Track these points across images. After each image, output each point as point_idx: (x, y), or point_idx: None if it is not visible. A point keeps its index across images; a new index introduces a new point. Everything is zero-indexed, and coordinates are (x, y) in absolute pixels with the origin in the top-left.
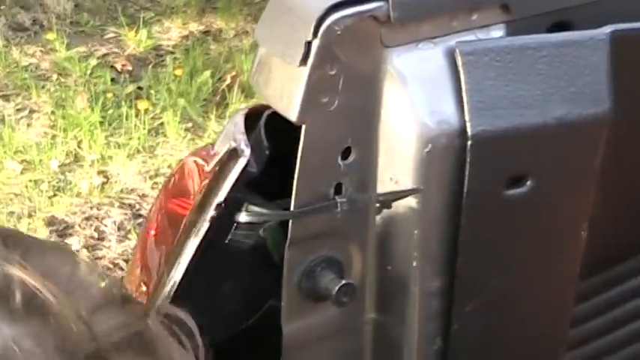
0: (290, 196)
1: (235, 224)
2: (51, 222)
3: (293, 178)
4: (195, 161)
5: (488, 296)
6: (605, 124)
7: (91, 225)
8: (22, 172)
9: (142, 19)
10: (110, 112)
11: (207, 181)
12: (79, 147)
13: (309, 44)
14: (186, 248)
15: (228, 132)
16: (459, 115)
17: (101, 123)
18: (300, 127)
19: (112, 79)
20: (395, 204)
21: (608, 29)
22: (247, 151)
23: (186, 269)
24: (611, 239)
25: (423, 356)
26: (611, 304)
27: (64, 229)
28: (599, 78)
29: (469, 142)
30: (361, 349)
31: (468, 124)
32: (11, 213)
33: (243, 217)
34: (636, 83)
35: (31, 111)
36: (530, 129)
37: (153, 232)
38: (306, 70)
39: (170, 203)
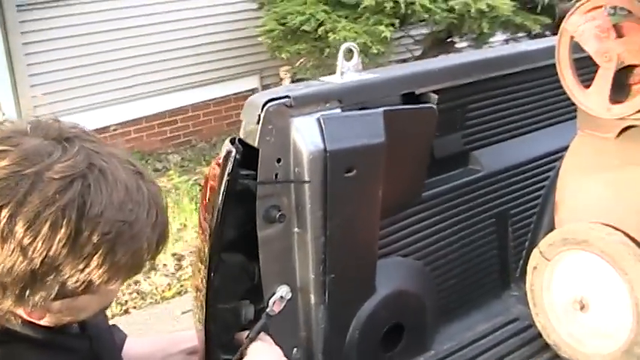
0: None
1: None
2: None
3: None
4: (217, 163)
5: (342, 218)
6: (383, 146)
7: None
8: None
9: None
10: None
11: (220, 167)
12: (185, 220)
13: (259, 115)
14: (218, 195)
15: (224, 146)
16: (322, 143)
17: (195, 210)
18: (259, 149)
19: (200, 189)
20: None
21: (381, 109)
22: (234, 151)
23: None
24: (390, 199)
25: (315, 246)
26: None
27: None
28: (379, 127)
29: (328, 154)
30: (291, 246)
31: (327, 146)
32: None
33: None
34: (392, 129)
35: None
36: (353, 147)
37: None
38: (259, 126)
39: (209, 181)
